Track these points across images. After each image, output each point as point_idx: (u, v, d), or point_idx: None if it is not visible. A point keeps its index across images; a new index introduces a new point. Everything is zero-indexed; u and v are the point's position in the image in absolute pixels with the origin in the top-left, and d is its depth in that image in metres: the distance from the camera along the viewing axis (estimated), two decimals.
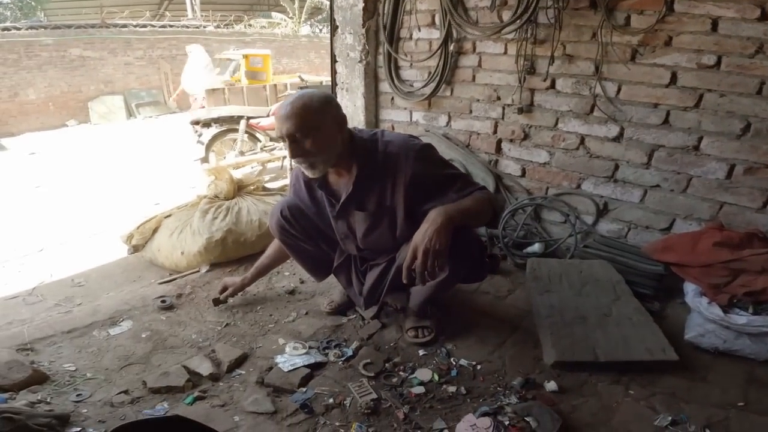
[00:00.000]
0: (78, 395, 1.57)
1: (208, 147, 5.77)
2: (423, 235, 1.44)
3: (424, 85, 2.90)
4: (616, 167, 2.34)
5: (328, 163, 1.62)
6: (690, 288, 1.91)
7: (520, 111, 2.54)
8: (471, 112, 2.80)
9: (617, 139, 2.30)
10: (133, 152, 8.10)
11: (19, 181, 6.48)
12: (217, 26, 15.94)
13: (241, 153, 5.72)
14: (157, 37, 13.84)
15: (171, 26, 14.75)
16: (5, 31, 11.39)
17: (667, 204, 2.24)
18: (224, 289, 2.16)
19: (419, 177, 1.60)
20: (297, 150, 1.55)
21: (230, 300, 2.18)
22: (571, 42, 2.32)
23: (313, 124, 1.53)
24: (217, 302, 2.15)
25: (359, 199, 1.70)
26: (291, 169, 5.21)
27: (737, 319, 1.68)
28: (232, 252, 2.63)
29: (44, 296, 2.58)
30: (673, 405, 1.48)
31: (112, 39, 12.95)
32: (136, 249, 2.93)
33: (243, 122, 5.80)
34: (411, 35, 2.92)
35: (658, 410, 1.46)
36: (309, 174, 1.65)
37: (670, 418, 1.42)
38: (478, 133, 2.81)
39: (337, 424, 1.44)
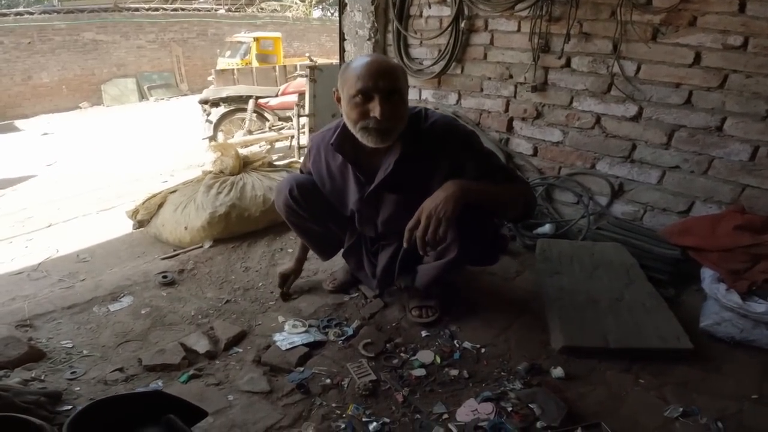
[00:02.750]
0: (72, 373, 1.54)
1: (217, 126, 5.83)
2: (432, 200, 1.38)
3: (434, 63, 2.83)
4: (634, 147, 2.25)
5: (399, 130, 1.49)
6: (707, 274, 1.82)
7: (534, 89, 2.46)
8: (482, 90, 2.73)
9: (635, 118, 2.21)
10: (144, 133, 8.18)
11: (31, 159, 6.54)
12: (228, 9, 15.85)
13: (249, 132, 5.77)
14: (168, 21, 13.85)
15: (183, 10, 14.75)
16: (18, 16, 11.46)
17: (686, 186, 2.14)
18: (283, 280, 2.00)
19: (462, 163, 1.52)
20: (392, 109, 1.42)
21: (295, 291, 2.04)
22: (588, 20, 2.23)
23: (405, 85, 1.47)
24: (287, 297, 1.99)
25: (396, 180, 1.58)
26: (299, 148, 5.18)
27: (756, 308, 1.60)
28: (235, 227, 2.59)
29: (49, 272, 2.57)
30: (684, 396, 1.41)
31: (125, 22, 13.00)
32: (141, 224, 2.92)
33: (252, 102, 5.84)
34: (421, 12, 2.84)
35: (669, 401, 1.40)
36: (378, 143, 1.47)
37: (681, 409, 1.35)
38: (489, 112, 2.73)
39: (333, 405, 1.39)
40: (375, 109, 1.41)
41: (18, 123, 10.23)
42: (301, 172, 1.87)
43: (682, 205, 2.17)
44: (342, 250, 1.94)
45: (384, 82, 1.40)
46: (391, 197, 1.64)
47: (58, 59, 12.00)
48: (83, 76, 12.48)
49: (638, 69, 2.15)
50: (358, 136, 1.49)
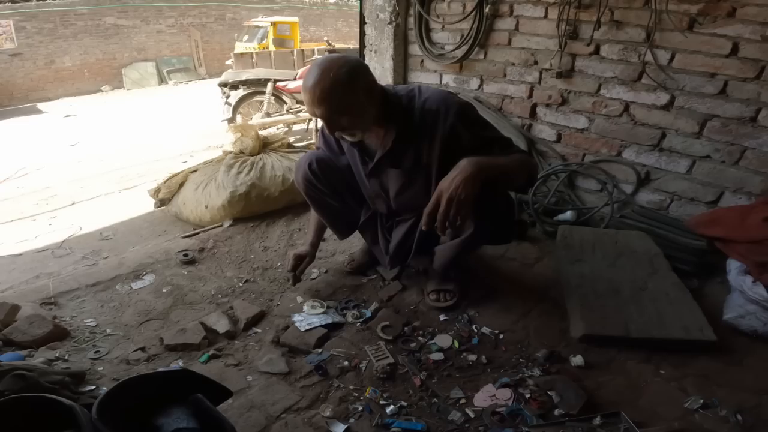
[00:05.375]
0: (96, 352, 1.57)
1: (236, 108, 5.94)
2: (450, 182, 1.34)
3: (456, 48, 2.78)
4: (663, 136, 2.19)
5: (366, 129, 1.55)
6: (733, 266, 1.78)
7: (559, 75, 2.41)
8: (505, 75, 2.68)
9: (666, 107, 2.15)
10: (164, 115, 8.28)
11: (55, 140, 6.66)
12: None
13: (267, 114, 5.85)
14: (187, 5, 13.92)
15: None
16: (41, 1, 11.58)
17: (716, 176, 2.08)
18: (297, 262, 1.91)
19: (457, 135, 1.50)
20: (333, 127, 1.49)
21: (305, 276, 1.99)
22: (620, 8, 2.16)
23: (345, 102, 1.43)
24: (297, 280, 1.93)
25: (395, 157, 1.61)
26: (317, 130, 5.21)
27: None
28: (255, 207, 2.61)
29: (72, 249, 2.62)
30: (705, 388, 1.39)
31: (145, 7, 13.12)
32: (162, 203, 2.97)
33: (270, 85, 5.93)
34: None
35: (689, 392, 1.38)
36: (349, 140, 1.58)
37: (701, 401, 1.33)
38: (512, 97, 2.69)
39: (351, 387, 1.40)
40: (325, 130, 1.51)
41: (41, 106, 10.49)
42: (317, 149, 1.88)
43: (711, 195, 2.11)
44: (359, 227, 1.95)
45: (321, 111, 1.43)
46: (393, 172, 1.66)
47: (80, 44, 12.19)
48: (104, 60, 12.69)
49: (672, 58, 2.09)
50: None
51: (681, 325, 1.56)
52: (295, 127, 6.04)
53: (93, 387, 1.38)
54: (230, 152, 2.90)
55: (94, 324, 1.74)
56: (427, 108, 1.53)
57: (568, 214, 2.37)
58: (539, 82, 2.54)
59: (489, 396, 1.36)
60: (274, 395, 1.36)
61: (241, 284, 1.98)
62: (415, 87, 1.60)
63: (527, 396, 1.34)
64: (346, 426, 1.27)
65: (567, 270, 1.87)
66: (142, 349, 1.57)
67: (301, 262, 1.93)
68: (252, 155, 2.85)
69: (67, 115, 9.01)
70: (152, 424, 0.95)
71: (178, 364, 1.50)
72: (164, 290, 1.95)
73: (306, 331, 1.62)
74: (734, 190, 2.05)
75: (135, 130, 7.09)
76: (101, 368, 1.48)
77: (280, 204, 2.67)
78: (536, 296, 1.84)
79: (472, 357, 1.52)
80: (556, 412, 1.28)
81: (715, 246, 1.92)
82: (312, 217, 1.97)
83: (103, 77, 12.66)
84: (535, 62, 2.52)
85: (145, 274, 2.07)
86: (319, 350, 1.55)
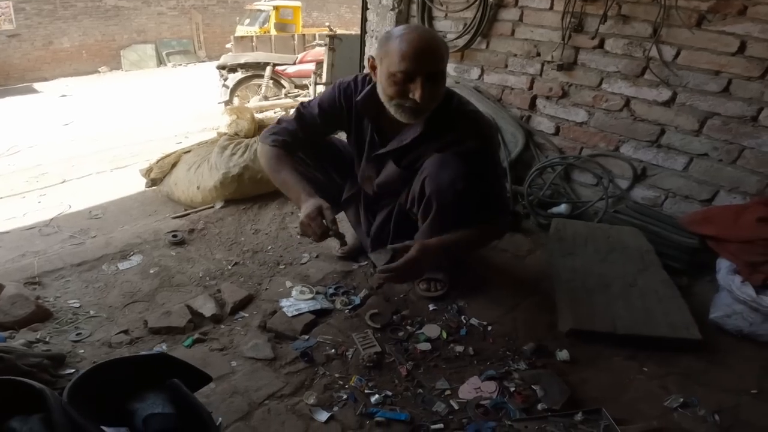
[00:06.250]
0: (77, 335, 1.53)
1: (233, 91, 5.96)
2: (407, 263, 1.46)
3: (458, 37, 2.74)
4: (662, 132, 2.18)
5: (436, 100, 1.45)
6: (723, 264, 1.78)
7: (561, 68, 2.39)
8: (506, 66, 2.65)
9: (668, 103, 2.14)
10: (161, 96, 8.21)
11: (49, 119, 6.59)
12: None
13: (265, 98, 5.82)
14: None
15: None
16: None
17: (712, 174, 2.07)
18: (320, 214, 1.52)
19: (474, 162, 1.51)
20: (431, 91, 1.38)
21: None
22: (628, 2, 2.13)
23: (444, 58, 1.40)
24: (340, 236, 1.61)
25: (405, 154, 1.59)
26: None
27: None
28: (248, 189, 2.59)
29: (60, 228, 2.59)
30: (686, 386, 1.40)
31: None
32: (154, 183, 2.94)
33: (269, 68, 5.93)
34: None
35: (671, 391, 1.38)
36: (410, 120, 1.45)
37: (681, 399, 1.34)
38: (512, 88, 2.67)
39: (336, 375, 1.39)
40: (416, 92, 1.36)
41: (36, 86, 10.43)
42: (303, 106, 1.75)
43: (706, 193, 2.10)
44: (341, 204, 1.94)
45: (429, 65, 1.36)
46: (393, 166, 1.64)
47: (80, 25, 12.03)
48: (103, 42, 12.54)
49: (677, 54, 2.07)
50: (391, 110, 1.47)
51: (667, 322, 1.56)
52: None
53: (73, 370, 1.35)
54: (225, 134, 2.87)
55: (77, 305, 1.71)
56: (458, 122, 1.53)
57: (563, 207, 2.36)
58: (540, 74, 2.52)
59: (474, 388, 1.35)
60: (258, 381, 1.35)
61: (230, 267, 1.96)
62: (451, 91, 1.57)
63: (512, 389, 1.34)
64: (329, 414, 1.26)
65: (558, 263, 1.87)
66: (125, 331, 1.54)
67: (323, 217, 1.51)
68: (247, 137, 2.82)
69: (63, 95, 8.93)
70: (126, 408, 0.94)
71: (161, 347, 1.48)
72: (151, 271, 1.92)
73: (294, 316, 1.61)
74: (730, 189, 2.04)
75: (130, 111, 7.01)
76: (82, 351, 1.45)
77: (273, 187, 2.60)
78: (527, 289, 1.83)
79: (460, 348, 1.51)
80: (540, 406, 1.28)
81: (707, 244, 1.92)
82: (288, 176, 1.65)
83: (101, 59, 12.53)
84: (538, 54, 2.49)
85: (132, 255, 2.04)
86: (306, 337, 1.54)
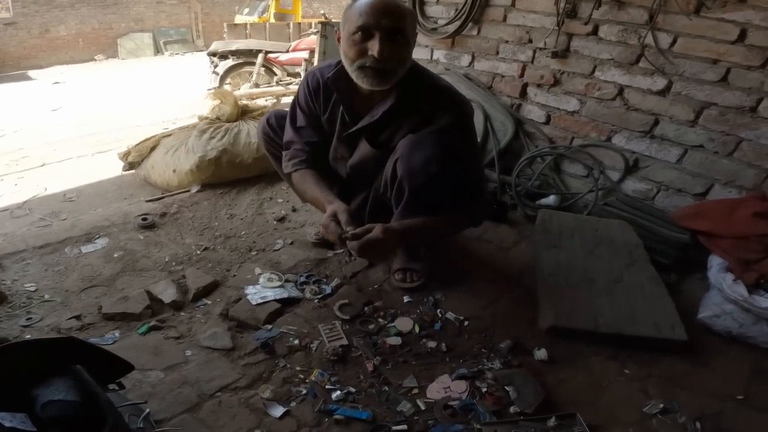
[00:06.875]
0: (28, 319, 1.46)
1: (223, 78, 5.87)
2: (372, 241, 1.34)
3: (449, 23, 2.65)
4: (656, 122, 2.08)
5: (404, 63, 1.40)
6: (715, 262, 1.69)
7: (554, 55, 2.29)
8: (497, 53, 2.56)
9: (662, 92, 2.04)
10: (154, 84, 8.15)
11: (38, 105, 6.49)
12: None
13: (256, 85, 5.75)
14: None
15: None
16: None
17: (707, 167, 1.98)
18: (335, 219, 1.41)
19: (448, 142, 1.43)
20: (392, 49, 1.33)
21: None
22: None
23: (411, 29, 1.39)
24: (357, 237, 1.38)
25: (378, 130, 1.52)
26: None
27: (761, 302, 1.48)
28: (225, 173, 2.50)
29: (32, 210, 2.48)
30: (668, 390, 1.32)
31: None
32: (131, 166, 2.84)
33: (261, 56, 5.85)
34: None
35: (651, 395, 1.30)
36: (374, 84, 1.38)
37: (661, 405, 1.26)
38: (503, 76, 2.57)
39: (297, 368, 1.31)
40: (374, 47, 1.32)
41: (31, 73, 10.24)
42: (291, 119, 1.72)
43: (700, 187, 2.01)
44: None
45: (387, 19, 1.32)
46: (365, 145, 1.56)
47: (77, 13, 11.85)
48: (101, 30, 12.35)
49: (674, 42, 1.97)
50: (354, 76, 1.41)
51: (652, 321, 1.48)
52: (284, 100, 5.90)
53: None
54: (206, 118, 2.77)
55: (33, 289, 1.62)
56: (432, 97, 1.47)
57: (551, 199, 2.26)
58: (532, 62, 2.43)
59: (443, 387, 1.27)
60: (211, 372, 1.27)
61: (199, 252, 1.87)
62: (425, 68, 1.54)
63: (483, 390, 1.26)
64: (285, 409, 1.18)
65: (543, 256, 1.78)
66: (77, 317, 1.46)
67: (337, 221, 1.40)
68: (229, 122, 2.72)
69: (56, 82, 8.78)
70: (29, 394, 0.86)
71: (113, 335, 1.39)
72: (115, 255, 1.83)
73: (258, 305, 1.53)
74: (725, 182, 1.95)
75: (121, 97, 6.90)
76: (29, 336, 1.37)
77: (253, 171, 2.55)
78: (509, 282, 1.75)
79: (432, 344, 1.43)
80: (512, 409, 1.20)
81: (698, 240, 1.83)
82: (310, 186, 1.60)
83: (98, 47, 12.34)
84: (530, 40, 2.40)
85: (97, 238, 1.94)
86: (269, 326, 1.46)
